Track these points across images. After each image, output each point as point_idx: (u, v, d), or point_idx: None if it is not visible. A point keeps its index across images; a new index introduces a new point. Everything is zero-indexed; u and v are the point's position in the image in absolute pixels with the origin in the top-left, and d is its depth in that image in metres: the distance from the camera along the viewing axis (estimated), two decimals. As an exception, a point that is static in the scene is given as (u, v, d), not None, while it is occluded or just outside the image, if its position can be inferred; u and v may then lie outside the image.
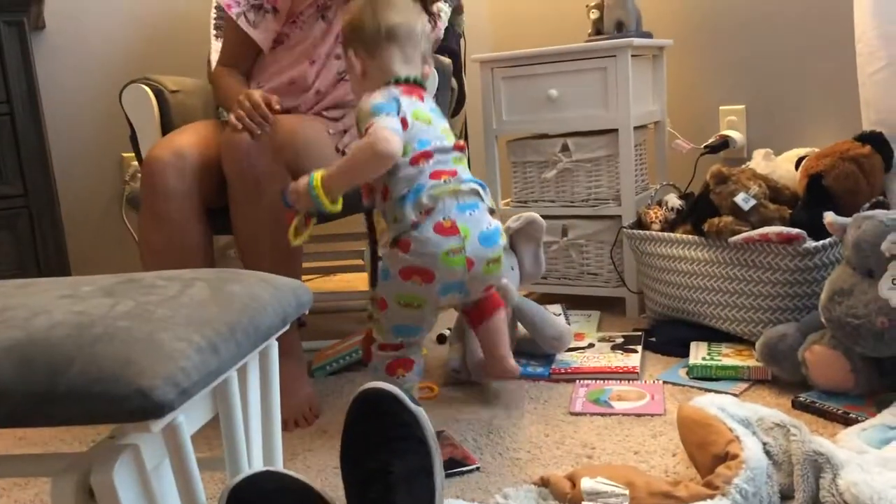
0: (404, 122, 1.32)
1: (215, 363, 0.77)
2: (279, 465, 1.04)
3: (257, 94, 1.55)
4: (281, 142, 1.56)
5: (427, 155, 1.33)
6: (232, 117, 1.54)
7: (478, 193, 1.36)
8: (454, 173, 1.35)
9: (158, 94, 1.82)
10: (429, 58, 1.46)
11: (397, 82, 1.38)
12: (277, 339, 1.56)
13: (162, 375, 0.69)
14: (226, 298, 0.87)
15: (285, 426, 1.50)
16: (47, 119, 2.08)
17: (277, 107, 1.55)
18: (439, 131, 1.38)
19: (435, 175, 1.33)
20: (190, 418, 0.82)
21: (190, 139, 1.60)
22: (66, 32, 2.30)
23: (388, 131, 1.28)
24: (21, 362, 0.71)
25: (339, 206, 1.32)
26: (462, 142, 1.44)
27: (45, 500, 1.29)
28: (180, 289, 0.87)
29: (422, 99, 1.39)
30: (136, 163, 1.95)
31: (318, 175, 1.31)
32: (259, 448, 0.98)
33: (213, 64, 1.87)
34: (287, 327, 0.97)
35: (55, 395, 0.68)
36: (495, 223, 1.37)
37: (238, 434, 0.90)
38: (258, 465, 0.97)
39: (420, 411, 1.17)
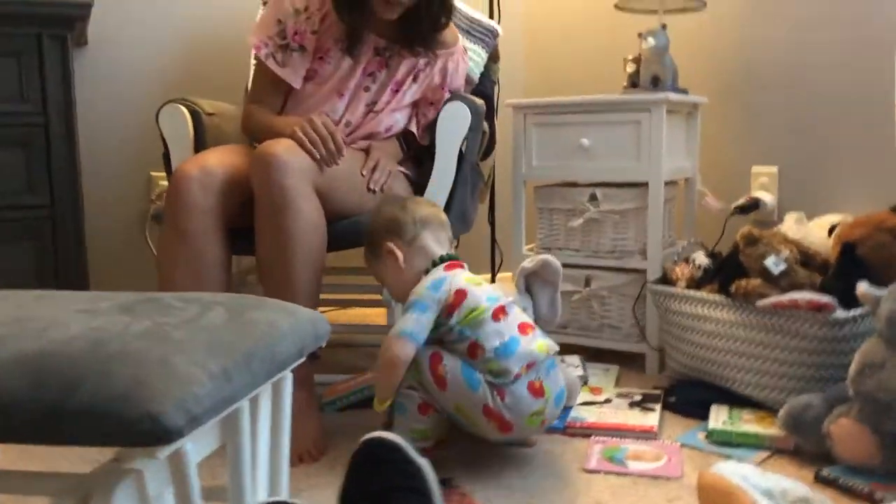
0: (461, 293, 1.44)
1: (228, 391, 0.75)
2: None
3: (330, 122, 1.61)
4: (312, 164, 1.57)
5: (503, 310, 1.45)
6: (300, 133, 1.57)
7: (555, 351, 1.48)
8: (533, 328, 1.47)
9: (195, 116, 1.84)
10: (453, 239, 1.63)
11: (439, 261, 1.53)
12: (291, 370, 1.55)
13: (173, 400, 0.67)
14: (244, 325, 0.85)
15: (290, 460, 1.47)
16: (81, 133, 2.09)
17: (343, 147, 1.61)
18: (493, 290, 1.49)
19: (522, 329, 1.44)
20: (197, 446, 0.79)
21: (218, 157, 1.61)
22: (108, 51, 2.33)
23: (400, 341, 1.39)
24: (34, 376, 0.69)
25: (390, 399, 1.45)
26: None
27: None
28: (199, 312, 0.86)
29: (463, 267, 1.53)
30: (164, 182, 1.96)
31: (376, 402, 1.45)
32: (265, 482, 0.95)
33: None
34: (303, 359, 0.95)
35: (65, 412, 0.66)
36: (562, 381, 1.48)
37: (244, 466, 0.87)
38: (262, 499, 0.94)
39: (424, 463, 1.14)
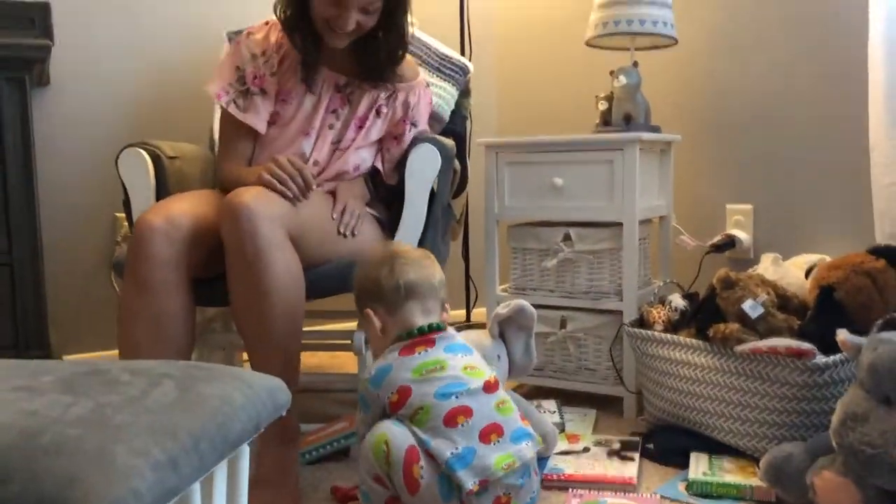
0: (404, 391, 1.28)
1: (174, 480, 0.69)
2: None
3: (296, 159, 1.60)
4: (284, 210, 1.52)
5: (465, 412, 1.26)
6: (273, 180, 1.54)
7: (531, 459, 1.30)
8: (500, 431, 1.27)
9: (156, 160, 1.79)
10: (446, 304, 1.46)
11: (410, 335, 1.37)
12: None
13: (110, 498, 0.61)
14: (194, 401, 0.79)
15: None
16: (41, 173, 2.03)
17: (312, 182, 1.59)
18: (460, 371, 1.31)
19: (484, 436, 1.26)
20: (142, 537, 0.73)
21: (184, 206, 1.56)
22: (71, 90, 2.28)
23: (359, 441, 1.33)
24: (-46, 471, 0.63)
25: None
26: (493, 377, 1.35)
27: None
28: (145, 388, 0.80)
29: (433, 344, 1.35)
30: (127, 224, 1.90)
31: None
32: (220, 564, 0.89)
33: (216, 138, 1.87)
34: (260, 431, 0.89)
35: (-13, 514, 0.61)
36: (537, 482, 1.34)
37: (196, 553, 0.81)
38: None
39: None
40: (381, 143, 1.88)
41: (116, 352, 2.30)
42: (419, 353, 1.33)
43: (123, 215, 2.25)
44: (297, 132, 1.78)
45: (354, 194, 1.79)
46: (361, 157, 1.83)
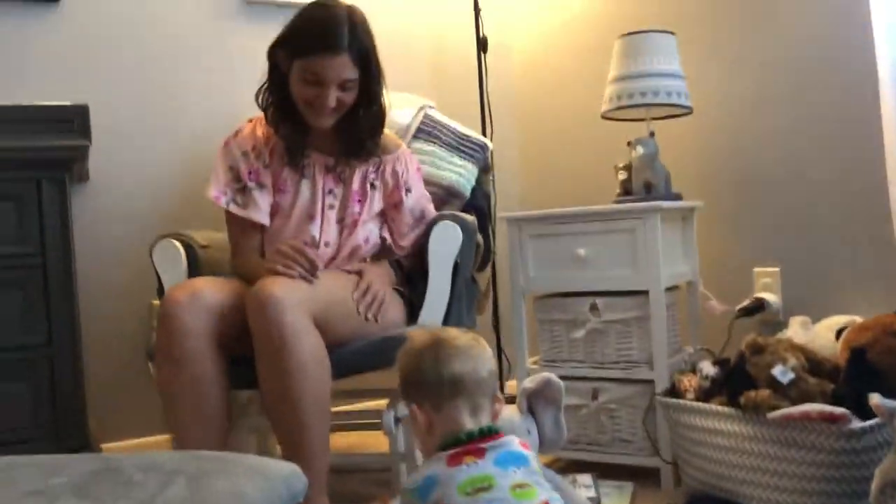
0: None
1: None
2: None
3: (297, 243, 1.64)
4: (307, 296, 1.56)
5: None
6: (279, 267, 1.58)
7: None
8: None
9: (188, 249, 1.87)
10: (499, 393, 1.32)
11: (458, 442, 1.22)
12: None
13: None
14: (205, 500, 0.81)
15: None
16: (80, 265, 2.10)
17: (315, 259, 1.62)
18: (508, 492, 1.16)
19: None
20: None
21: (208, 283, 1.63)
22: (109, 185, 2.37)
23: None
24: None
25: None
26: (544, 501, 1.18)
27: None
28: (158, 487, 0.82)
29: (482, 455, 1.20)
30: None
31: None
32: None
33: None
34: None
35: None
36: None
37: None
38: None
39: None
40: (383, 215, 1.93)
41: (155, 438, 2.36)
42: (467, 466, 1.19)
43: (158, 303, 2.31)
44: (301, 218, 1.82)
45: (378, 274, 1.82)
46: (369, 229, 1.88)
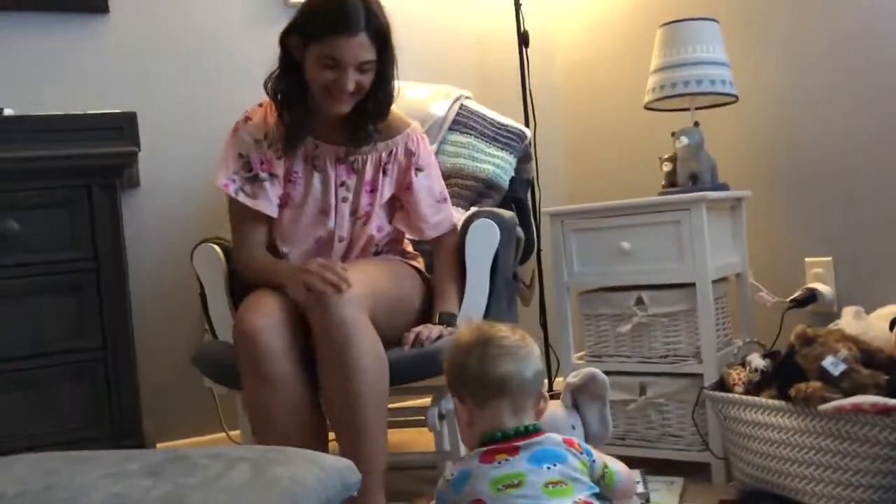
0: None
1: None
2: None
3: (322, 261, 1.58)
4: (365, 293, 1.58)
5: None
6: (313, 281, 1.53)
7: None
8: None
9: (227, 253, 1.87)
10: (544, 392, 1.33)
11: (493, 439, 1.24)
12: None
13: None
14: (266, 484, 0.84)
15: None
16: (133, 270, 2.16)
17: (345, 267, 1.58)
18: (540, 489, 1.17)
19: None
20: None
21: (272, 299, 1.61)
22: (159, 190, 2.43)
23: None
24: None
25: None
26: (582, 499, 1.18)
27: None
28: (222, 470, 0.86)
29: (515, 453, 1.21)
30: (205, 315, 1.98)
31: None
32: None
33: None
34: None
35: None
36: None
37: None
38: None
39: None
40: (393, 201, 1.89)
41: (208, 438, 2.41)
42: (498, 463, 1.20)
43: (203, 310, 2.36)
44: (315, 213, 1.79)
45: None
46: (380, 217, 1.87)
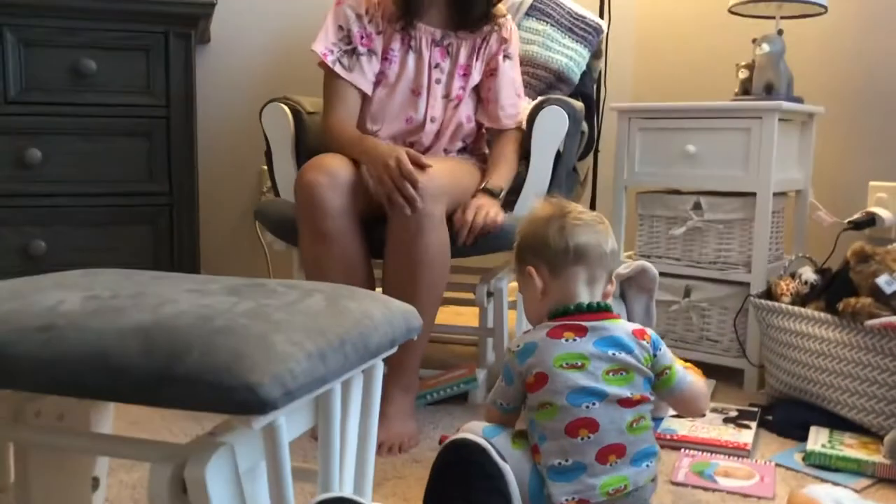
0: (541, 377, 1.20)
1: (322, 371, 0.78)
2: (369, 486, 1.04)
3: (405, 157, 1.53)
4: (445, 188, 1.58)
5: (590, 426, 1.17)
6: (390, 187, 1.52)
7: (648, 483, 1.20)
8: (622, 452, 1.17)
9: (296, 114, 1.90)
10: (614, 276, 1.35)
11: (566, 312, 1.26)
12: (395, 370, 1.59)
13: (271, 374, 0.71)
14: (340, 312, 0.88)
15: (379, 449, 1.51)
16: (199, 126, 2.20)
17: (429, 164, 1.56)
18: (601, 375, 1.20)
19: (601, 456, 1.16)
20: (290, 422, 0.83)
21: (336, 161, 1.62)
22: (229, 48, 2.45)
23: (487, 407, 1.31)
24: (146, 343, 0.74)
25: None
26: (640, 395, 1.21)
27: (145, 486, 1.34)
28: (299, 297, 0.90)
29: (583, 333, 1.23)
30: (269, 173, 2.03)
31: None
32: (352, 464, 0.98)
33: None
34: (395, 349, 0.98)
35: (172, 377, 0.71)
36: (651, 490, 1.22)
37: (333, 446, 0.90)
38: (349, 482, 0.98)
39: (506, 467, 1.15)
40: (477, 93, 1.88)
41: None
42: (566, 341, 1.22)
43: (266, 168, 2.41)
44: (407, 92, 1.80)
45: (486, 200, 1.72)
46: (469, 106, 1.86)
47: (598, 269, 1.29)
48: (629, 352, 1.22)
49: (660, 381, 1.26)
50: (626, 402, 1.19)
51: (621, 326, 1.26)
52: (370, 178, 1.60)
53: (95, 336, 0.75)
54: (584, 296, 1.28)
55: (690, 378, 1.30)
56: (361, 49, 1.75)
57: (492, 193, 1.73)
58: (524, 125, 1.90)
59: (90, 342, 0.74)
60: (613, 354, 1.22)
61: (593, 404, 1.17)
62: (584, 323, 1.24)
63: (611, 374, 1.20)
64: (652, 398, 1.25)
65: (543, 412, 1.19)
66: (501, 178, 1.79)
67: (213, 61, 2.44)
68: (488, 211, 1.65)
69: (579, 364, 1.20)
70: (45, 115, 1.96)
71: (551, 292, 1.29)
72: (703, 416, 1.41)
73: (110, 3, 1.96)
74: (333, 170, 1.58)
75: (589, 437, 1.16)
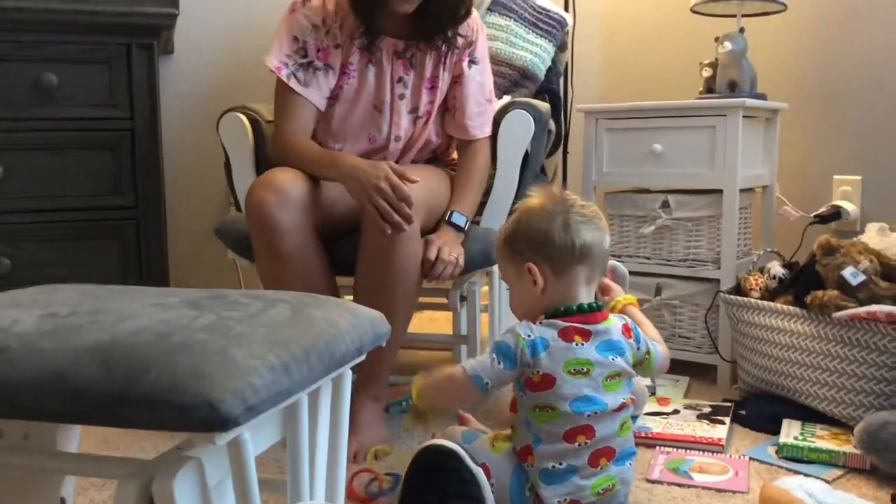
0: (548, 379, 1.17)
1: (286, 383, 0.77)
2: (341, 496, 1.03)
3: (392, 173, 1.47)
4: (420, 202, 1.53)
5: (588, 432, 1.17)
6: (384, 207, 1.46)
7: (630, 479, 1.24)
8: (612, 455, 1.20)
9: (254, 124, 1.84)
10: (607, 267, 1.33)
11: (568, 311, 1.22)
12: (364, 379, 1.58)
13: (231, 389, 0.70)
14: (304, 321, 0.88)
15: (353, 458, 1.50)
16: (165, 137, 2.18)
17: (416, 179, 1.50)
18: (601, 383, 1.19)
19: (594, 459, 1.18)
20: (256, 436, 0.82)
21: (287, 175, 1.55)
22: (193, 58, 2.42)
23: (460, 373, 1.21)
24: (103, 363, 0.73)
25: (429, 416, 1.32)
26: (630, 399, 1.23)
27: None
28: (262, 307, 0.89)
29: (588, 337, 1.21)
30: (229, 186, 2.01)
31: (415, 386, 1.27)
32: (323, 475, 0.97)
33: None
34: (363, 357, 0.97)
35: (130, 398, 0.70)
36: (630, 484, 1.25)
37: (302, 458, 0.89)
38: (320, 493, 0.97)
39: (479, 472, 1.16)
40: (444, 102, 1.79)
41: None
42: (575, 345, 1.19)
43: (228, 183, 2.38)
44: (368, 109, 1.71)
45: (450, 238, 1.65)
46: (438, 120, 1.79)
47: (597, 268, 1.26)
48: (622, 355, 1.23)
49: (641, 367, 1.29)
50: (619, 408, 1.21)
51: (615, 327, 1.25)
52: (356, 198, 1.51)
53: (51, 357, 0.73)
54: (584, 295, 1.24)
55: (660, 349, 1.33)
56: (318, 63, 1.66)
57: (457, 227, 1.67)
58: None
59: (46, 364, 0.73)
60: (613, 360, 1.21)
61: (594, 413, 1.18)
62: (589, 327, 1.21)
63: (608, 379, 1.20)
64: (634, 398, 1.26)
65: (543, 414, 1.18)
66: (467, 205, 1.71)
67: (177, 71, 2.42)
68: (450, 253, 1.59)
69: (585, 370, 1.19)
70: (7, 130, 1.93)
71: (550, 291, 1.23)
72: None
73: (71, 15, 1.94)
74: (284, 186, 1.50)
75: (586, 443, 1.17)
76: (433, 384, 1.25)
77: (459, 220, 1.68)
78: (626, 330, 1.26)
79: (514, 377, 1.21)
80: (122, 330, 0.78)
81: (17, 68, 1.93)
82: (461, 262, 1.60)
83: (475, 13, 1.77)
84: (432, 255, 1.56)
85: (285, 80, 1.64)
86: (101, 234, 2.03)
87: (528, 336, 1.19)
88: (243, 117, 1.84)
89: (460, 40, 1.73)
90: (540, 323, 1.22)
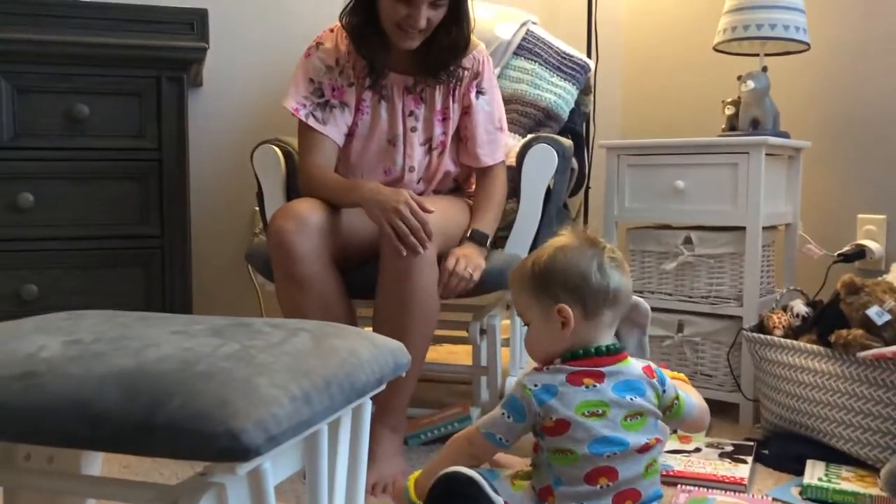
0: (562, 424, 1.16)
1: (307, 413, 0.77)
2: (359, 528, 1.03)
3: (412, 201, 1.52)
4: (437, 230, 1.56)
5: (610, 474, 1.15)
6: (402, 230, 1.50)
7: None
8: (637, 497, 1.17)
9: (287, 156, 1.90)
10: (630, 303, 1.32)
11: (575, 356, 1.21)
12: (383, 410, 1.58)
13: (253, 419, 0.70)
14: (326, 351, 0.88)
15: (371, 490, 1.49)
16: (191, 168, 2.22)
17: (432, 209, 1.55)
18: (620, 423, 1.17)
19: (617, 502, 1.16)
20: (278, 465, 0.82)
21: (307, 204, 1.60)
22: (221, 91, 2.47)
23: (476, 435, 1.22)
24: (127, 390, 0.74)
25: None
26: (655, 438, 1.20)
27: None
28: (284, 337, 0.90)
29: (602, 379, 1.19)
30: (260, 215, 2.04)
31: (412, 480, 1.29)
32: (341, 506, 0.97)
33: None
34: (383, 387, 0.97)
35: (153, 425, 0.71)
36: None
37: (321, 487, 0.89)
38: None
39: (499, 500, 1.14)
40: (457, 133, 1.85)
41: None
42: (586, 388, 1.18)
43: (258, 210, 2.42)
44: (383, 143, 1.78)
45: (470, 251, 1.70)
46: (454, 150, 1.85)
47: (620, 313, 1.26)
48: (642, 395, 1.20)
49: (670, 413, 1.25)
50: (643, 449, 1.18)
51: (634, 368, 1.23)
52: (374, 220, 1.55)
53: (76, 384, 0.75)
54: (603, 339, 1.23)
55: (694, 400, 1.29)
56: (334, 101, 1.73)
57: (478, 241, 1.71)
58: (512, 160, 1.91)
59: (70, 390, 0.74)
60: (631, 399, 1.19)
61: (615, 454, 1.16)
62: (601, 369, 1.20)
63: (628, 419, 1.19)
64: (663, 438, 1.24)
65: (563, 457, 1.17)
66: (487, 223, 1.76)
67: (205, 104, 2.47)
68: (467, 265, 1.62)
69: (600, 412, 1.17)
70: (38, 160, 1.97)
71: (576, 334, 1.21)
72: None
73: (103, 48, 1.99)
74: (303, 215, 1.56)
75: (608, 485, 1.16)
76: (443, 459, 1.25)
77: (479, 235, 1.72)
78: (649, 371, 1.24)
79: (526, 430, 1.20)
80: (145, 357, 0.79)
81: (48, 99, 1.97)
82: (476, 276, 1.63)
83: (481, 46, 1.84)
84: (450, 264, 1.61)
85: (304, 119, 1.72)
86: (126, 262, 2.06)
87: (534, 386, 1.19)
88: (277, 149, 1.90)
89: (465, 72, 1.79)
90: (546, 369, 1.21)
